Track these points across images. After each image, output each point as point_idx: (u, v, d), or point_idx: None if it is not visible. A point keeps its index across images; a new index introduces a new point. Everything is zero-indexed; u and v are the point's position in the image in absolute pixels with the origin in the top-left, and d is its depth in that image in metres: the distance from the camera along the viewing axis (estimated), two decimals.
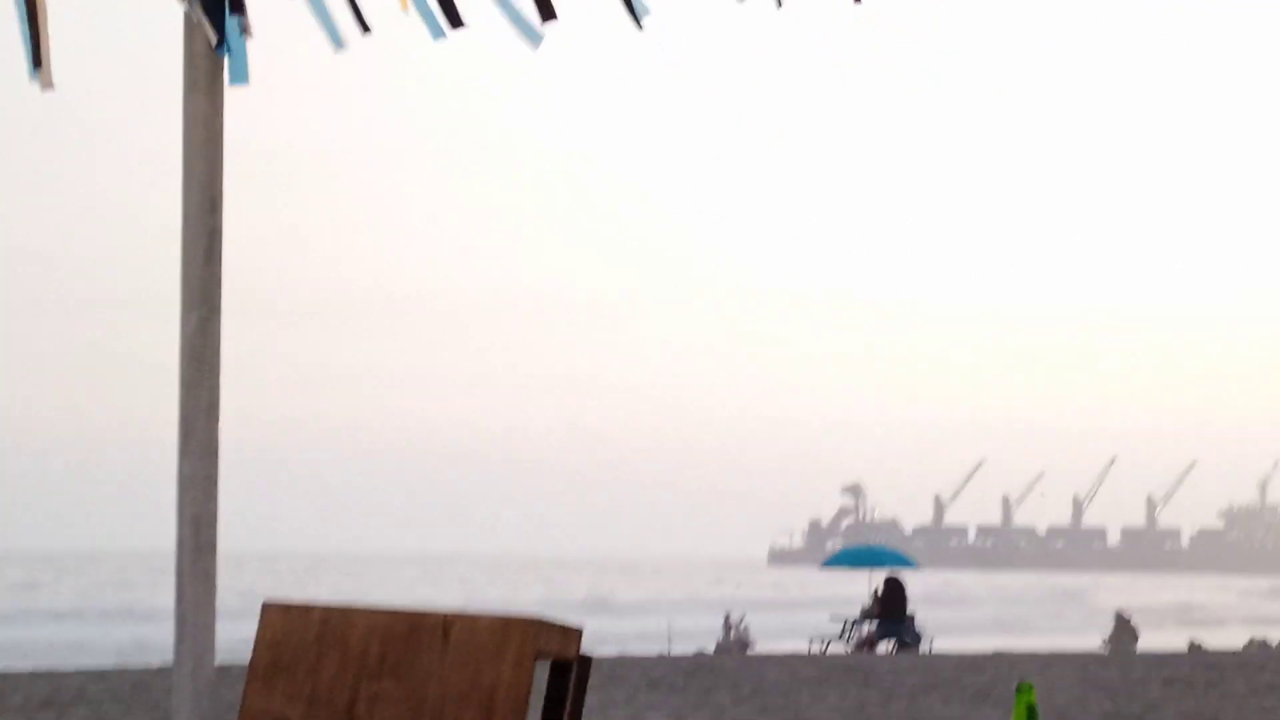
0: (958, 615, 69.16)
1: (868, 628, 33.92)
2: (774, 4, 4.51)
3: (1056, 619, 75.38)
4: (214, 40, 4.43)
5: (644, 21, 4.55)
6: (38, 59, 4.35)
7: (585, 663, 5.15)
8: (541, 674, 13.25)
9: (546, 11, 4.42)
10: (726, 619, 41.38)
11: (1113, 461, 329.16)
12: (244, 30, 4.45)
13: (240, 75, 4.51)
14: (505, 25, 4.51)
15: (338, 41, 4.55)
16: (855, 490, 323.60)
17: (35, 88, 4.38)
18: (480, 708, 4.74)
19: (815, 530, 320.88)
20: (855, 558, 36.68)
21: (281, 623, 4.83)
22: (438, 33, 4.57)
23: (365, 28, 4.51)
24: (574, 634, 5.07)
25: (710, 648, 36.95)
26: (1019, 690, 3.63)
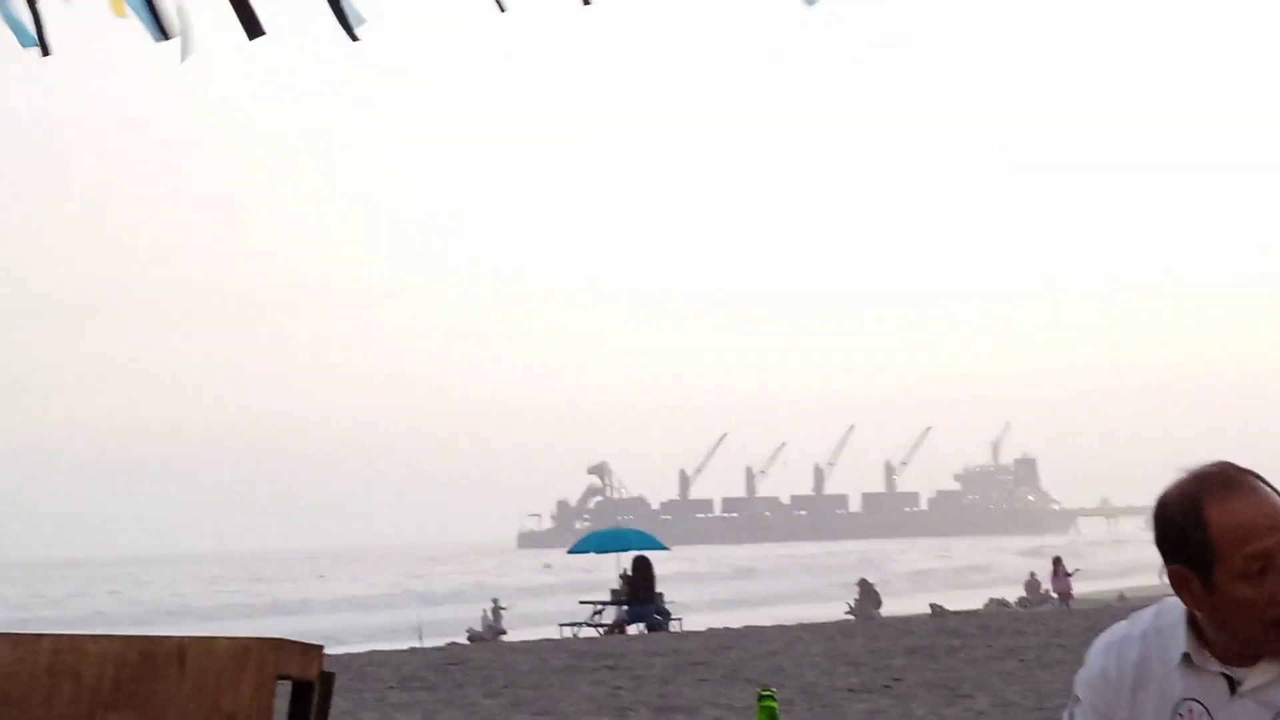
0: (706, 591, 69.85)
1: (617, 611, 34.09)
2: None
3: (804, 588, 76.48)
4: None
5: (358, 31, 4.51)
6: None
7: (328, 680, 5.09)
8: (284, 694, 13.09)
9: (254, 30, 4.38)
10: (491, 607, 41.35)
11: (851, 429, 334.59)
12: None
13: None
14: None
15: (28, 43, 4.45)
16: (601, 469, 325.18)
17: None
18: None
19: (564, 510, 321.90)
20: (602, 542, 36.86)
21: (10, 654, 4.71)
22: (158, 37, 4.51)
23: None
24: (315, 651, 5.00)
25: (463, 638, 36.88)
26: (761, 699, 3.66)
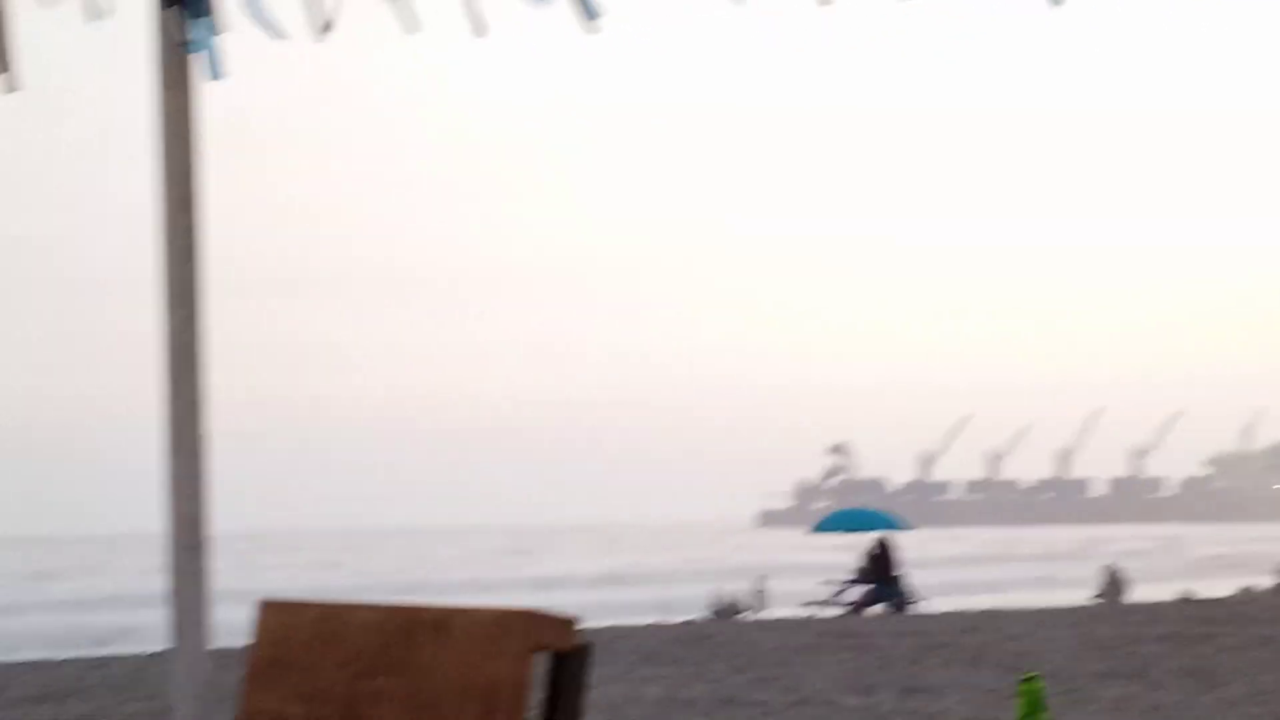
0: (948, 573, 69.31)
1: (860, 590, 33.97)
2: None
3: (1048, 573, 75.57)
4: (183, 41, 4.41)
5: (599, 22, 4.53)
6: (3, 63, 4.32)
7: (583, 651, 5.14)
8: (539, 666, 13.24)
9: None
10: (752, 583, 41.45)
11: (1096, 412, 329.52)
12: (214, 29, 4.42)
13: (215, 71, 4.49)
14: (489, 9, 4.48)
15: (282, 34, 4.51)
16: (841, 449, 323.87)
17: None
18: (480, 702, 4.73)
19: (803, 490, 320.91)
20: (844, 521, 36.72)
21: (279, 621, 4.81)
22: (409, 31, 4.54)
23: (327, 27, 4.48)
24: (570, 624, 5.05)
25: (704, 615, 37.00)
26: (1024, 681, 3.61)
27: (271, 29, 4.41)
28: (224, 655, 15.40)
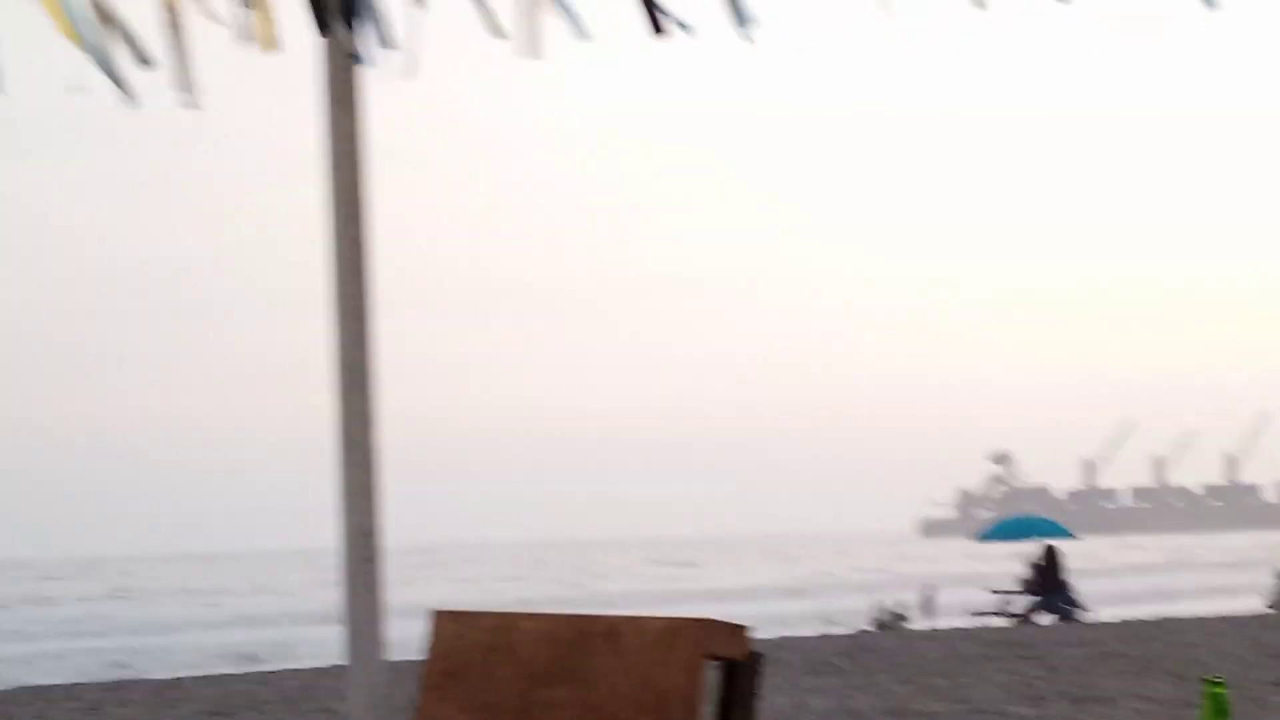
0: (1117, 581, 68.52)
1: (1027, 599, 33.64)
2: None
3: (1219, 580, 74.52)
4: (353, 55, 4.46)
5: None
6: (185, 82, 4.41)
7: (754, 660, 5.13)
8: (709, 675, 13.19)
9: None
10: (919, 593, 41.28)
11: (1265, 416, 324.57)
12: (385, 43, 4.47)
13: (390, 81, 4.54)
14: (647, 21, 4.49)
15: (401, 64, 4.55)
16: (1003, 457, 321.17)
17: (182, 108, 4.42)
18: (652, 711, 4.73)
19: (966, 499, 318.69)
20: (1010, 530, 36.39)
21: (452, 631, 4.85)
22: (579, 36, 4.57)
23: (500, 33, 4.51)
24: (741, 632, 5.04)
25: (866, 626, 36.82)
26: (1209, 685, 3.56)
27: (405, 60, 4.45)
28: (398, 668, 15.53)
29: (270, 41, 4.51)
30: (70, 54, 4.32)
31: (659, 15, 4.49)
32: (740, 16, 4.51)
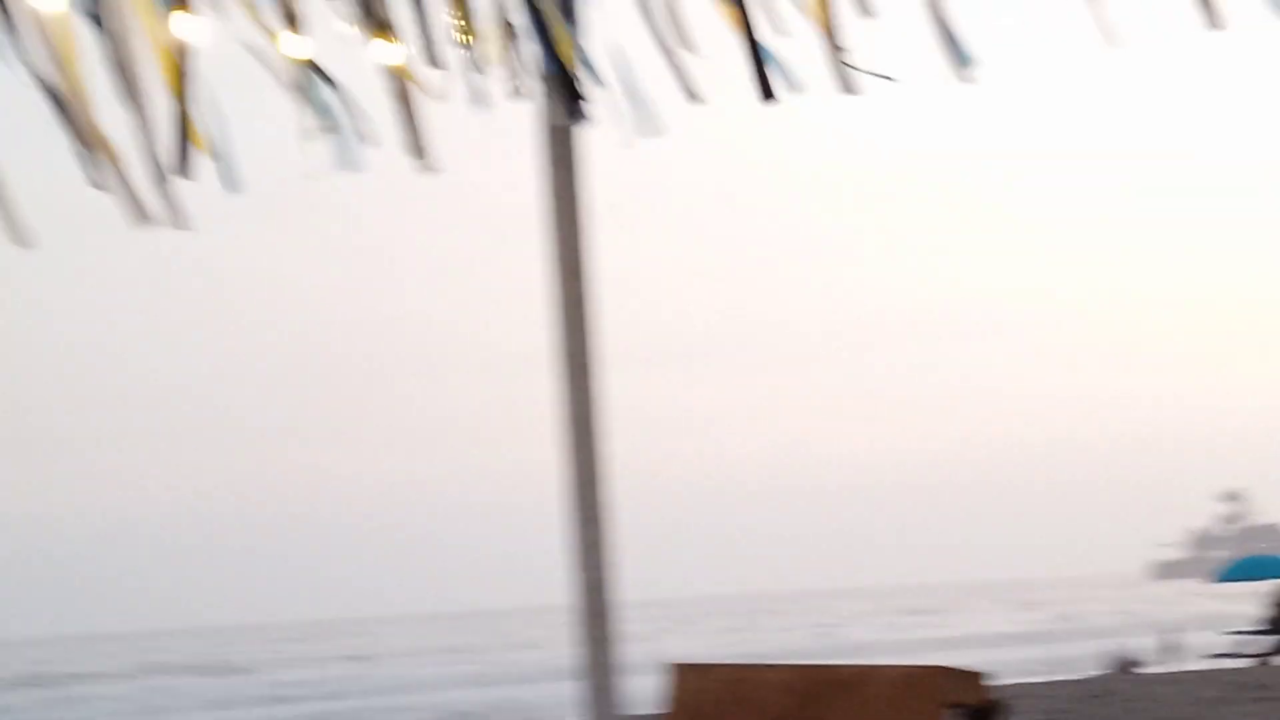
0: None
1: (1267, 641, 32.90)
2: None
3: None
4: (566, 118, 4.51)
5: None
6: (417, 149, 4.48)
7: (995, 707, 5.06)
8: None
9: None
10: (1157, 637, 40.61)
11: None
12: (583, 116, 4.50)
13: (610, 138, 4.60)
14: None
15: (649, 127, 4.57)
16: (1236, 495, 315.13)
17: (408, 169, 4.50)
18: None
19: (1198, 539, 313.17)
20: (1249, 569, 35.63)
21: (691, 683, 4.85)
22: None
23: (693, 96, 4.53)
24: (980, 678, 4.99)
25: (1103, 670, 36.22)
26: None
27: (645, 117, 4.47)
28: None
29: (514, 100, 4.58)
30: (296, 129, 4.41)
31: (769, 78, 4.46)
32: (961, 58, 4.49)
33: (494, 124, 4.60)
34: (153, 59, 4.15)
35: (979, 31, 4.60)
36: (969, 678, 4.93)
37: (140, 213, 4.11)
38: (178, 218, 4.18)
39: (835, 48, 4.48)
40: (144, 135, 4.15)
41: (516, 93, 4.58)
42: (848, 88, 4.49)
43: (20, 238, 4.03)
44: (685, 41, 4.53)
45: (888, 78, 4.52)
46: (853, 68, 4.47)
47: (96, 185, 4.12)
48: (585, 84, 4.46)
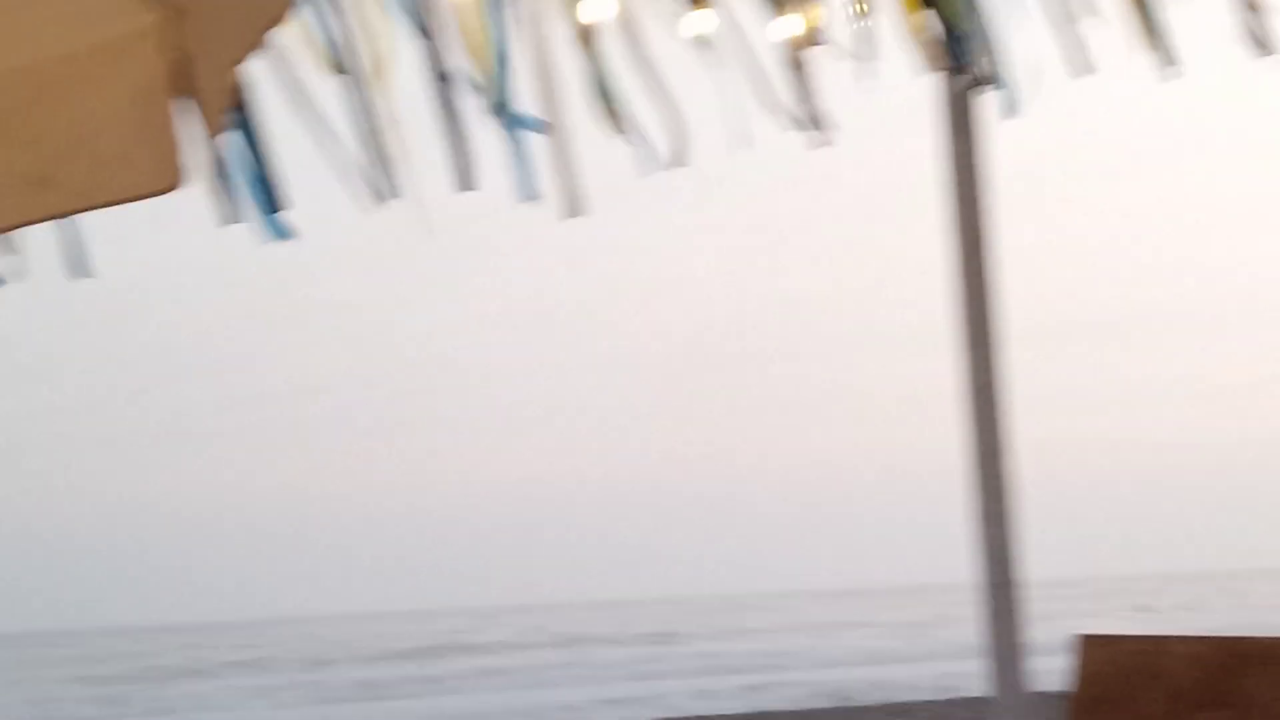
0: None
1: None
2: None
3: None
4: (965, 86, 4.48)
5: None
6: (814, 120, 4.50)
7: None
8: None
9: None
10: None
11: None
12: (1003, 78, 4.47)
13: (1009, 110, 4.55)
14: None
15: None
16: None
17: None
18: None
19: None
20: None
21: (1098, 655, 4.79)
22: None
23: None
24: None
25: None
26: None
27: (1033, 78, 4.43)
28: (1042, 698, 15.41)
29: (912, 71, 4.56)
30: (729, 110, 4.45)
31: (1166, 45, 4.33)
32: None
33: (892, 95, 4.59)
34: (564, 41, 4.26)
35: None
36: None
37: (570, 198, 4.19)
38: (577, 202, 4.27)
39: (1250, 6, 4.38)
40: (553, 117, 4.25)
41: (914, 63, 4.57)
42: (1264, 47, 4.38)
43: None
44: (1086, 7, 4.47)
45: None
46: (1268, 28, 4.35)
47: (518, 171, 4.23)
48: (985, 51, 4.43)
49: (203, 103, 2.58)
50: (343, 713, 31.43)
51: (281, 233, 4.13)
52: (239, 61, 2.67)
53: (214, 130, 2.58)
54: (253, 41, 2.70)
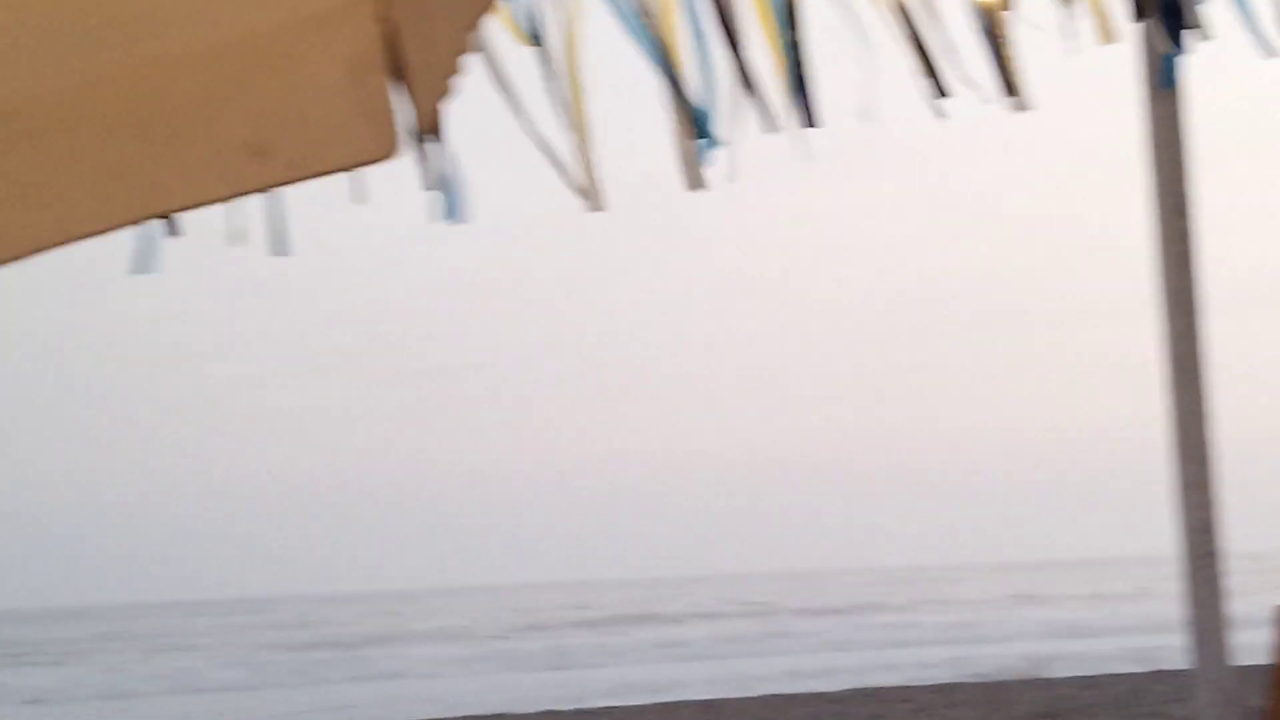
0: None
1: None
2: None
3: None
4: (1170, 46, 4.40)
5: None
6: (1010, 85, 4.43)
7: None
8: None
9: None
10: None
11: None
12: (1194, 41, 4.38)
13: (1167, 80, 4.49)
14: None
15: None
16: None
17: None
18: None
19: None
20: None
21: None
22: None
23: None
24: None
25: None
26: None
27: (1263, 42, 4.33)
28: (1244, 672, 15.22)
29: (1108, 35, 4.48)
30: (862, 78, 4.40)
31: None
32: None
33: (1089, 59, 4.51)
34: (750, 7, 4.23)
35: None
36: None
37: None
38: (732, 172, 4.24)
39: None
40: (745, 87, 4.23)
41: (1113, 24, 4.49)
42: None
43: (595, 204, 4.16)
44: None
45: None
46: None
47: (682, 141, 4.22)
48: (1191, 8, 4.35)
49: (415, 76, 2.59)
50: (533, 680, 31.70)
51: (460, 212, 4.14)
52: (453, 39, 2.67)
53: (427, 104, 2.59)
54: (467, 23, 2.70)
